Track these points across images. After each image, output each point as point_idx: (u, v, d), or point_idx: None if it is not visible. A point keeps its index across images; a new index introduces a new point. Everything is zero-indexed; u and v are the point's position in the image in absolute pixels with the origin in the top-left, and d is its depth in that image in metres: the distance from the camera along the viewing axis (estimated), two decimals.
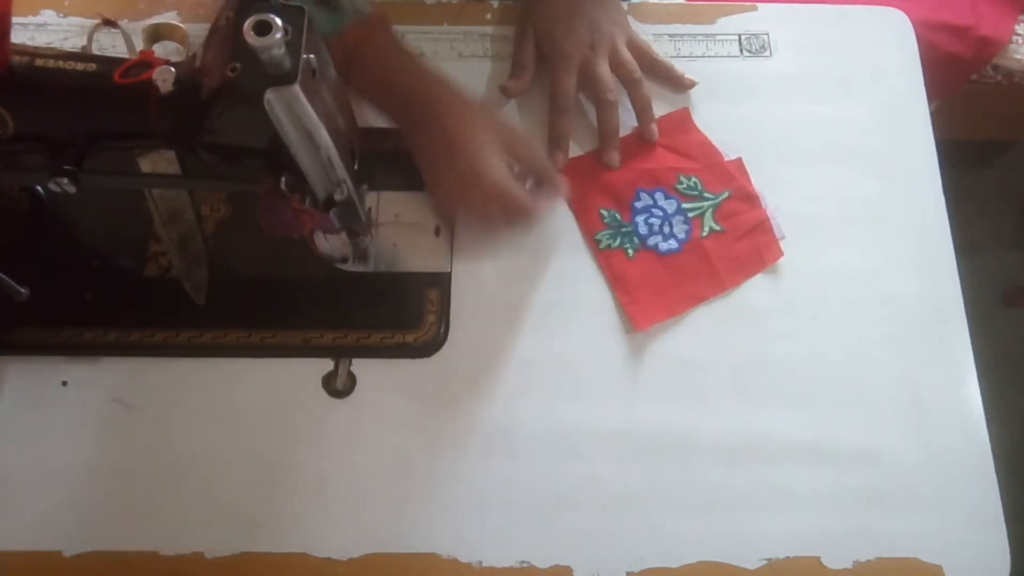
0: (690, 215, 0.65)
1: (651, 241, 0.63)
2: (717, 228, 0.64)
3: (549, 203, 0.61)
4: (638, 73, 0.66)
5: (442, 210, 0.63)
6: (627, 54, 0.66)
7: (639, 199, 0.65)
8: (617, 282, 0.62)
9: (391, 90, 0.60)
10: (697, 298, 0.62)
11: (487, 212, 0.58)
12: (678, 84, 0.69)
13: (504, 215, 0.58)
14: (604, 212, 0.65)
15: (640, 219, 0.64)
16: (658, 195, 0.65)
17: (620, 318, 0.62)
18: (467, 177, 0.57)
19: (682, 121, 0.68)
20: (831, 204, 0.66)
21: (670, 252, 0.63)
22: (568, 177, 0.65)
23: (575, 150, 0.67)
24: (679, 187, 0.65)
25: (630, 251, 0.63)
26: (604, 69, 0.65)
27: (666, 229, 0.64)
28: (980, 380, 0.61)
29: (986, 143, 1.39)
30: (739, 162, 0.67)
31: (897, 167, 0.67)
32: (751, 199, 0.65)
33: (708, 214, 0.65)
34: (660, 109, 0.68)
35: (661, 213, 0.65)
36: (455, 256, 0.63)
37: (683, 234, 0.64)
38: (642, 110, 0.66)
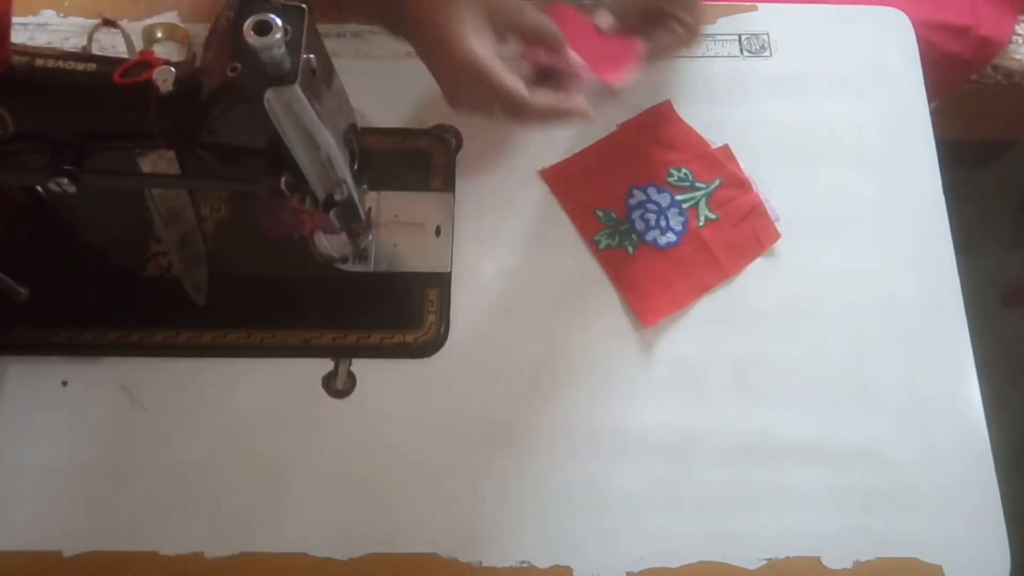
0: (684, 206, 0.65)
1: (649, 236, 0.63)
2: (712, 216, 0.64)
3: (568, 83, 0.54)
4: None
5: (456, 107, 0.55)
6: None
7: (632, 196, 0.65)
8: (621, 281, 0.62)
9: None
10: (702, 288, 0.63)
11: (477, 101, 0.52)
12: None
13: (495, 103, 0.52)
14: (599, 212, 0.65)
15: (636, 215, 0.64)
16: (651, 190, 0.65)
17: (620, 318, 0.62)
18: (447, 64, 0.51)
19: (666, 114, 0.68)
20: (831, 204, 0.66)
21: (669, 245, 0.64)
22: (558, 182, 0.65)
23: (560, 156, 0.66)
24: (670, 180, 0.66)
25: (630, 249, 0.63)
26: None
27: (662, 223, 0.64)
28: (980, 380, 0.61)
29: (986, 143, 1.39)
30: (726, 149, 0.67)
31: (897, 167, 0.67)
32: (742, 184, 0.65)
33: (702, 203, 0.65)
34: (643, 103, 0.68)
35: (656, 207, 0.65)
36: (455, 255, 0.63)
37: (680, 226, 0.64)
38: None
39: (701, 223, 0.64)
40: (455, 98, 0.54)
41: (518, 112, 0.52)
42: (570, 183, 0.66)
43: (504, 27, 0.53)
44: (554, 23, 0.54)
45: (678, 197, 0.65)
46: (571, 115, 0.53)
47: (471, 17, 0.51)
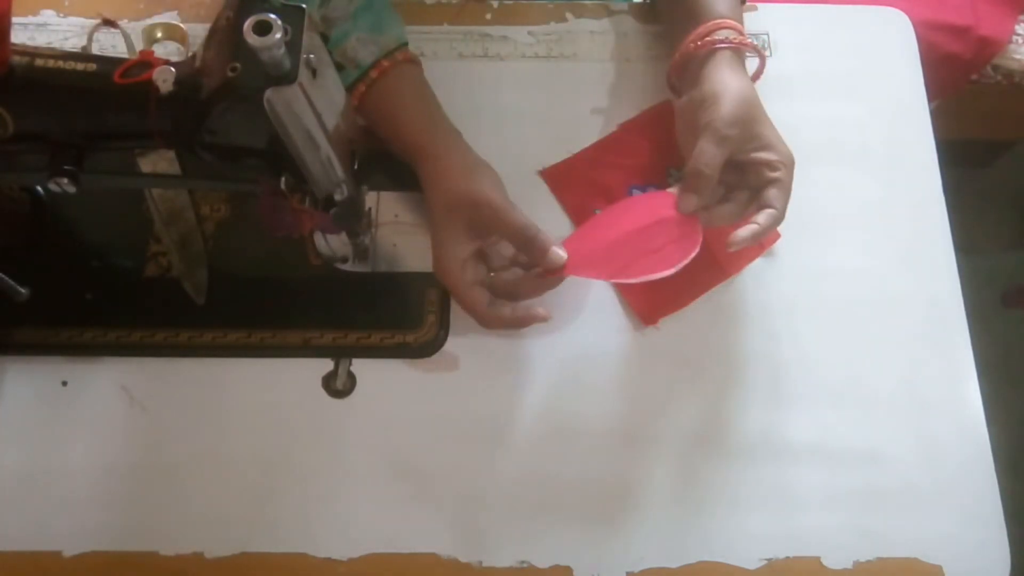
0: None
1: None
2: None
3: (542, 286, 0.58)
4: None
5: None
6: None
7: (632, 196, 0.65)
8: (620, 282, 0.62)
9: (401, 141, 0.60)
10: (702, 288, 0.63)
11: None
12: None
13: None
14: (599, 212, 0.65)
15: None
16: (650, 190, 0.65)
17: (620, 318, 0.62)
18: (434, 263, 0.57)
19: (666, 114, 0.68)
20: (831, 204, 0.66)
21: None
22: (560, 180, 0.65)
23: (560, 156, 0.67)
24: (670, 180, 0.65)
25: None
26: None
27: None
28: (980, 380, 0.61)
29: (986, 143, 1.38)
30: None
31: (897, 167, 0.67)
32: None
33: None
34: (642, 102, 0.68)
35: None
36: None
37: None
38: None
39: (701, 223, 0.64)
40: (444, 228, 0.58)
41: (480, 322, 0.58)
42: (570, 183, 0.66)
43: (487, 232, 0.57)
44: (536, 227, 0.56)
45: None
46: (530, 323, 0.58)
47: (451, 226, 0.56)
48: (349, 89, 0.58)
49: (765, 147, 0.58)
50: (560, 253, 0.57)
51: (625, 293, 0.62)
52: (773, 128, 0.59)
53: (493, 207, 0.56)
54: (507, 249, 0.59)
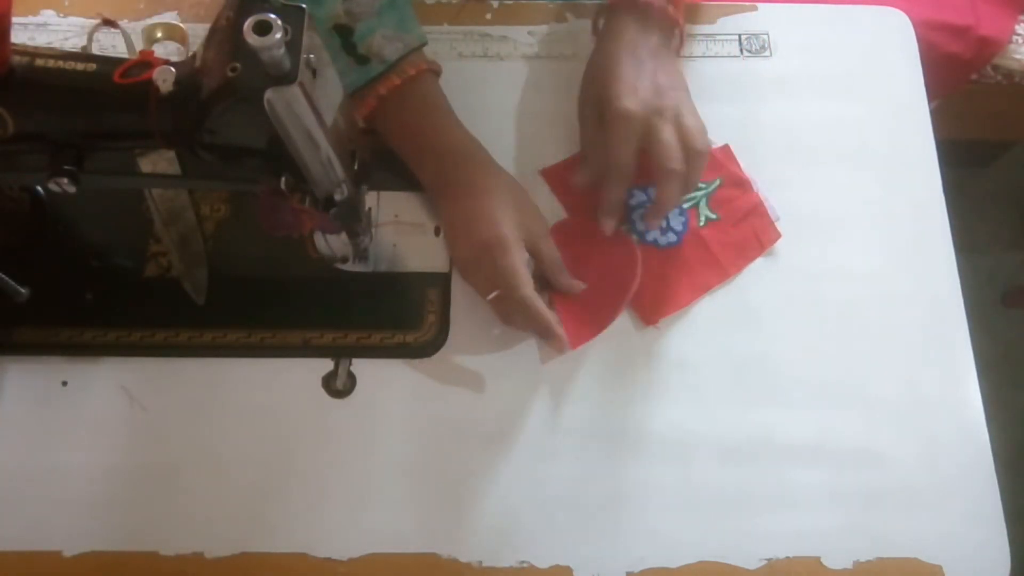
0: (685, 206, 0.65)
1: (650, 236, 0.63)
2: (713, 216, 0.64)
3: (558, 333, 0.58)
4: (702, 143, 0.59)
5: (457, 267, 0.62)
6: (691, 121, 0.60)
7: (632, 196, 0.65)
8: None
9: (420, 143, 0.60)
10: (703, 288, 0.63)
11: (504, 313, 0.59)
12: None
13: (523, 325, 0.59)
14: None
15: (636, 215, 0.64)
16: (651, 191, 0.65)
17: (620, 318, 0.62)
18: (489, 266, 0.57)
19: None
20: (831, 204, 0.66)
21: (670, 245, 0.63)
22: (558, 182, 0.66)
23: (561, 156, 0.67)
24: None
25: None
26: (671, 135, 0.58)
27: (663, 223, 0.64)
28: (980, 380, 0.61)
29: (986, 143, 1.38)
30: (727, 149, 0.67)
31: (897, 167, 0.67)
32: (742, 184, 0.65)
33: (702, 203, 0.65)
34: None
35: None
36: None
37: (680, 226, 0.64)
38: (694, 184, 0.61)
39: (701, 223, 0.64)
40: (469, 277, 0.60)
41: (521, 311, 0.57)
42: (571, 183, 0.66)
43: (529, 245, 0.59)
44: (569, 277, 0.61)
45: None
46: (553, 338, 0.58)
47: (519, 234, 0.58)
48: (372, 81, 0.59)
49: (605, 107, 0.60)
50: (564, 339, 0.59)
51: None
52: (624, 82, 0.60)
53: (543, 225, 0.62)
54: None
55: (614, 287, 0.61)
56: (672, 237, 0.64)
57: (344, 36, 0.58)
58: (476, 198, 0.58)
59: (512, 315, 0.59)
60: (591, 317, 0.61)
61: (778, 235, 0.64)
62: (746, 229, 0.64)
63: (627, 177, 0.60)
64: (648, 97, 0.59)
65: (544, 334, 0.59)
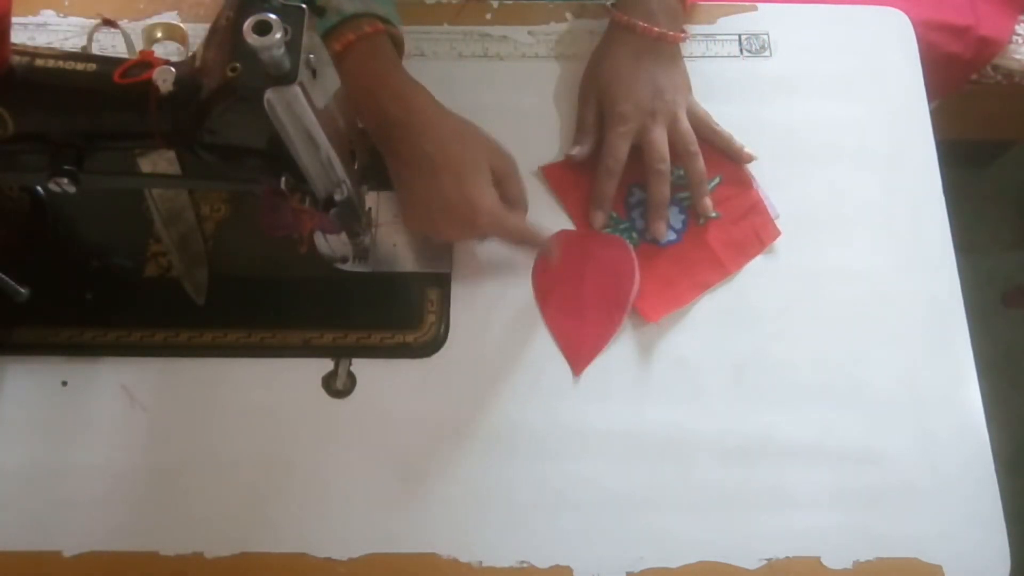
0: (685, 204, 0.65)
1: (650, 235, 0.63)
2: (713, 214, 0.64)
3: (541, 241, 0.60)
4: (694, 146, 0.63)
5: (418, 228, 0.60)
6: (686, 124, 0.64)
7: (632, 195, 0.65)
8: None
9: (375, 99, 0.58)
10: (703, 286, 0.63)
11: (477, 236, 0.59)
12: (736, 156, 0.66)
13: (503, 240, 0.59)
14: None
15: (636, 214, 0.64)
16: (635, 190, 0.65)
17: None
18: (455, 201, 0.55)
19: None
20: (831, 204, 0.66)
21: (670, 243, 0.64)
22: (558, 180, 0.66)
23: (561, 155, 0.67)
24: (671, 178, 0.66)
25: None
26: (660, 137, 0.62)
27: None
28: (980, 380, 0.61)
29: (986, 143, 1.38)
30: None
31: (897, 167, 0.67)
32: (742, 182, 0.66)
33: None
34: None
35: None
36: (455, 255, 0.63)
37: (680, 224, 0.64)
38: (696, 184, 0.63)
39: (701, 221, 0.64)
40: (439, 226, 0.58)
41: (523, 242, 0.59)
42: (571, 181, 0.66)
43: (500, 189, 0.58)
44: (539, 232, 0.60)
45: (678, 195, 0.65)
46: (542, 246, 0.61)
47: (485, 166, 0.57)
48: (326, 35, 0.57)
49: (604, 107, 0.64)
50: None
51: None
52: (624, 84, 0.64)
53: (510, 159, 0.60)
54: None
55: (613, 300, 0.61)
56: (672, 235, 0.64)
57: None
58: (430, 152, 0.56)
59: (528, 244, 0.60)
60: (592, 337, 0.61)
61: (778, 233, 0.64)
62: (746, 227, 0.64)
63: (617, 173, 0.63)
64: (645, 100, 0.63)
65: (534, 245, 0.60)
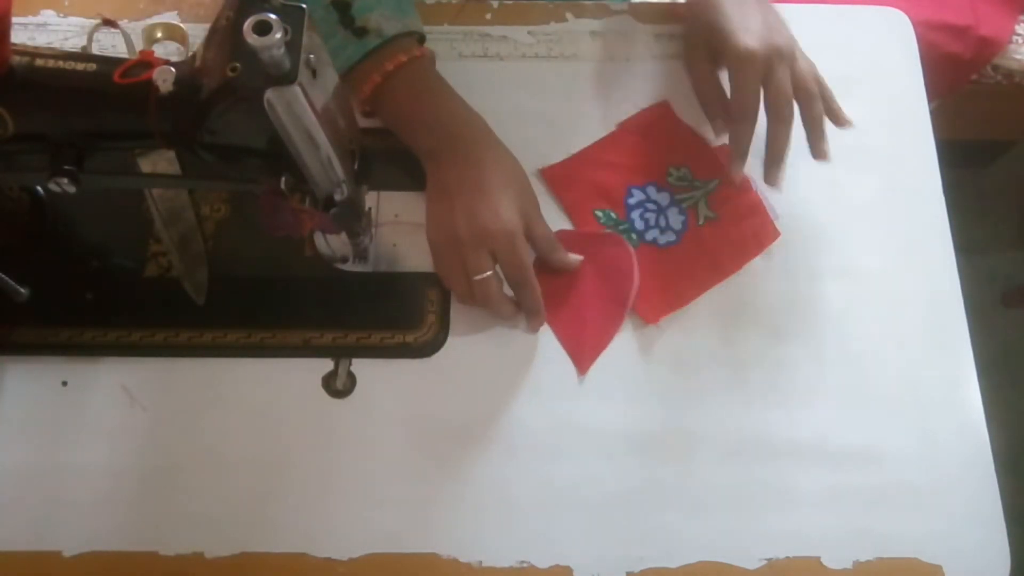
0: (684, 205, 0.65)
1: (649, 235, 0.64)
2: (711, 215, 0.64)
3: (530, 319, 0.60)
4: (816, 87, 0.60)
5: (435, 238, 0.60)
6: (804, 64, 0.61)
7: (631, 195, 0.65)
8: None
9: (421, 117, 0.60)
10: (703, 286, 0.63)
11: (472, 296, 0.58)
12: (835, 117, 0.63)
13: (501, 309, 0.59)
14: (599, 212, 0.65)
15: (635, 215, 0.65)
16: (650, 189, 0.65)
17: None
18: (483, 252, 0.56)
19: (664, 113, 0.68)
20: (831, 204, 0.66)
21: (669, 244, 0.64)
22: (560, 179, 0.66)
23: (561, 156, 0.67)
24: (670, 179, 0.66)
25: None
26: (785, 77, 0.59)
27: (662, 222, 0.64)
28: (980, 380, 0.61)
29: (986, 143, 1.39)
30: (725, 148, 0.67)
31: (897, 167, 0.67)
32: (742, 183, 0.65)
33: (701, 202, 0.65)
34: (642, 102, 0.69)
35: (655, 207, 0.65)
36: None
37: (679, 225, 0.64)
38: (816, 126, 0.61)
39: (700, 222, 0.64)
40: (449, 245, 0.57)
41: (517, 284, 0.58)
42: (570, 182, 0.66)
43: (524, 222, 0.58)
44: (565, 253, 0.60)
45: (678, 196, 0.65)
46: (535, 319, 0.59)
47: (510, 196, 0.57)
48: (372, 56, 0.58)
49: (722, 45, 0.60)
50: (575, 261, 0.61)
51: None
52: (736, 19, 0.60)
53: (536, 204, 0.60)
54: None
55: (612, 299, 0.61)
56: (671, 236, 0.64)
57: (341, 10, 0.58)
58: (475, 169, 0.57)
59: (490, 298, 0.58)
60: (595, 335, 0.61)
61: (777, 233, 0.64)
62: (745, 228, 0.64)
63: (755, 117, 0.60)
64: (765, 35, 0.59)
65: (527, 314, 0.59)
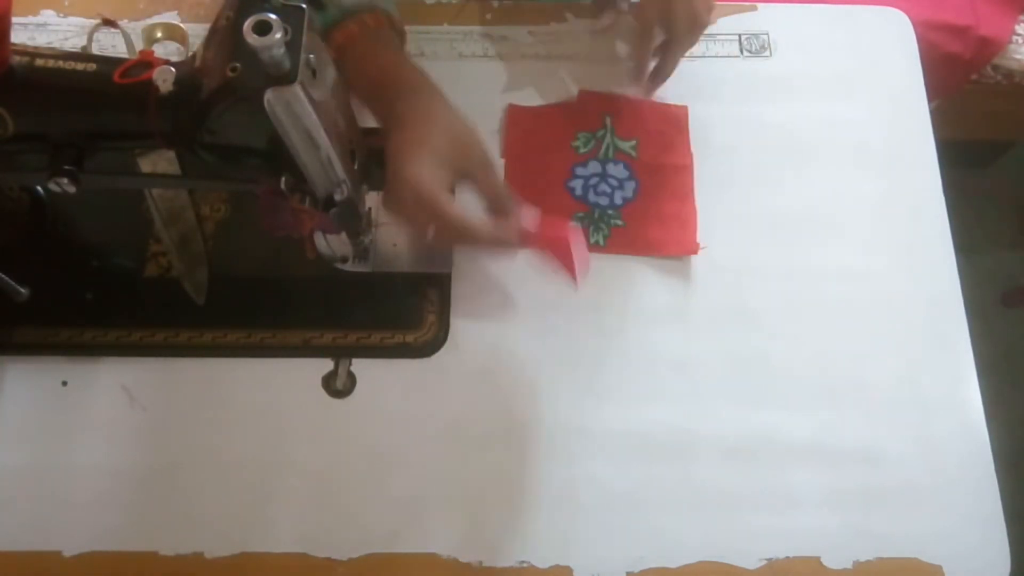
0: (612, 157, 0.66)
1: (617, 200, 0.65)
2: (629, 144, 0.66)
3: (506, 232, 0.55)
4: (705, 17, 0.62)
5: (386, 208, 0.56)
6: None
7: (587, 167, 0.66)
8: (638, 248, 0.64)
9: (380, 87, 0.57)
10: (689, 197, 0.65)
11: (406, 218, 0.54)
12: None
13: (433, 229, 0.54)
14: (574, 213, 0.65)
15: (591, 197, 0.65)
16: (605, 164, 0.66)
17: (620, 318, 0.62)
18: (392, 176, 0.53)
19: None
20: (831, 204, 0.66)
21: (637, 194, 0.65)
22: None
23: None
24: (576, 148, 0.67)
25: (601, 240, 0.64)
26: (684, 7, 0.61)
27: (612, 183, 0.65)
28: (980, 380, 0.61)
29: (986, 143, 1.38)
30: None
31: (897, 167, 0.67)
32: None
33: (609, 141, 0.67)
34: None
35: (597, 177, 0.66)
36: (455, 255, 0.63)
37: (626, 174, 0.66)
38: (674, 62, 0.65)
39: (635, 156, 0.66)
40: (390, 205, 0.54)
41: (460, 237, 0.53)
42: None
43: (463, 174, 0.55)
44: (512, 195, 0.56)
45: (601, 157, 0.66)
46: (507, 245, 0.55)
47: (439, 153, 0.53)
48: (327, 29, 0.56)
49: None
50: (529, 216, 0.56)
51: (651, 251, 0.64)
52: None
53: (483, 152, 0.56)
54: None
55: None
56: (629, 191, 0.65)
57: None
58: (400, 133, 0.54)
59: (454, 240, 0.57)
60: (580, 251, 0.58)
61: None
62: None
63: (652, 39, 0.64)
64: None
65: (493, 245, 0.56)
